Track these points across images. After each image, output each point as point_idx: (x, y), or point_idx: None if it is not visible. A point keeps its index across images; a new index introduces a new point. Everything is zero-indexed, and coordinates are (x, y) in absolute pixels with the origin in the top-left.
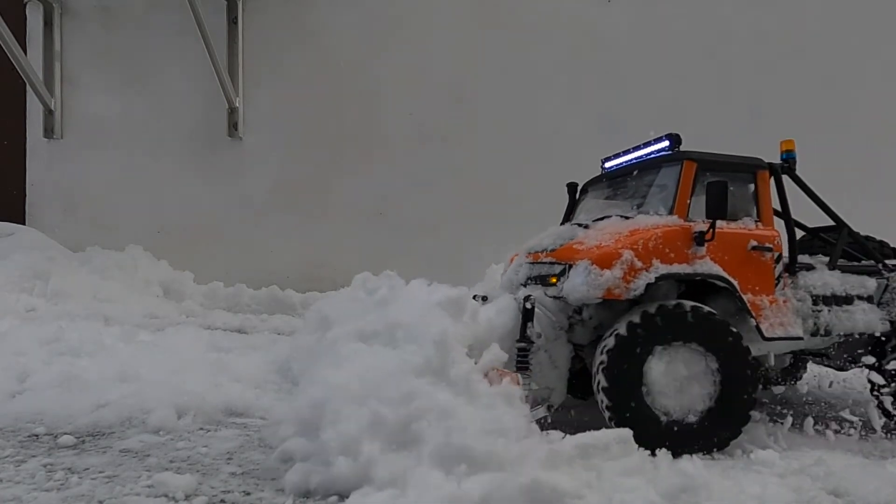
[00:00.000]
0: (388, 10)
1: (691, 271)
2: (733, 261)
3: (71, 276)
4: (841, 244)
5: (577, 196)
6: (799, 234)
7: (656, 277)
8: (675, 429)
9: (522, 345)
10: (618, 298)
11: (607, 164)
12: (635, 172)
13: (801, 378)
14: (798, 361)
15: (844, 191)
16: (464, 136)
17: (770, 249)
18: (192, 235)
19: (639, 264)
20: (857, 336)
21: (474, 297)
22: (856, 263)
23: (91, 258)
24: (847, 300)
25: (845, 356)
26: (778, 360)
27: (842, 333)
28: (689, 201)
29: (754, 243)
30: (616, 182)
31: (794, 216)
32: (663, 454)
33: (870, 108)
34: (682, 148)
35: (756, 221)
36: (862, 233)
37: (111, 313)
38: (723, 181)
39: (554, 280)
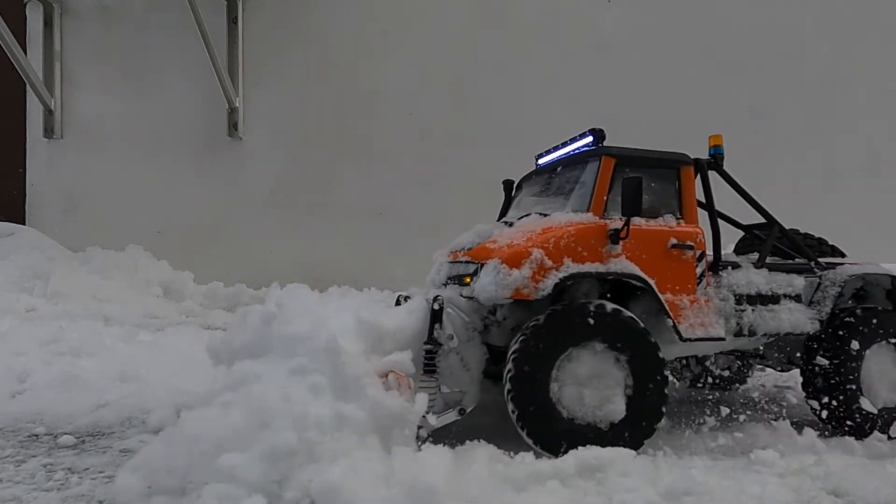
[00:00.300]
0: (388, 10)
1: (604, 270)
2: (652, 259)
3: (71, 276)
4: (770, 242)
5: (513, 192)
6: (741, 233)
7: (564, 277)
8: (588, 433)
9: (429, 347)
10: (526, 298)
11: (540, 161)
12: (559, 168)
13: (745, 380)
14: (744, 363)
15: (844, 190)
16: (464, 136)
17: (692, 247)
18: (192, 235)
19: (549, 263)
20: (792, 336)
21: (399, 298)
22: (787, 261)
23: (91, 258)
24: (773, 299)
25: (778, 356)
26: (721, 360)
27: (767, 334)
28: (605, 198)
29: (674, 241)
30: (545, 178)
31: (753, 213)
32: (664, 454)
33: (870, 108)
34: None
35: (678, 218)
36: (820, 231)
37: (111, 313)
38: (637, 177)
39: (468, 280)
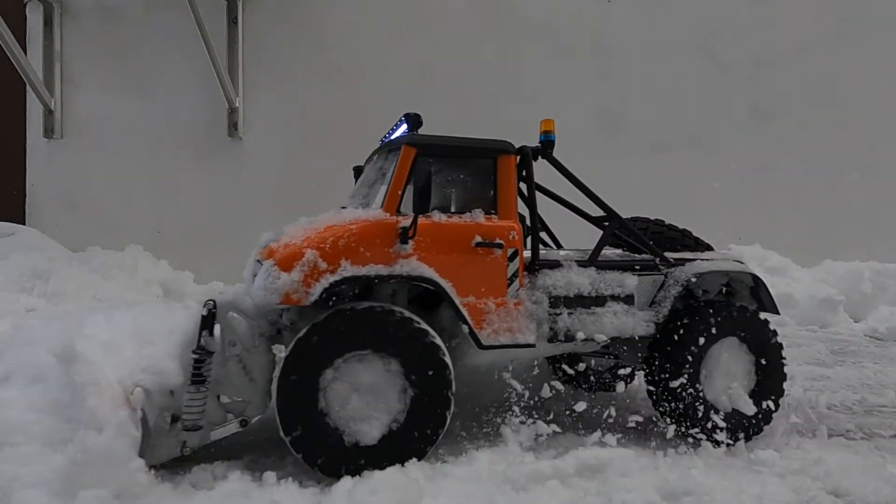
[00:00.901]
0: (388, 10)
1: (387, 273)
2: (451, 259)
3: (71, 276)
4: (605, 238)
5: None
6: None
7: (337, 281)
8: (363, 447)
9: (195, 356)
10: (297, 304)
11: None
12: (375, 157)
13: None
14: (616, 368)
15: (844, 190)
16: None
17: (501, 245)
18: (192, 235)
19: (323, 265)
20: (622, 340)
21: (206, 303)
22: (624, 259)
23: (91, 258)
24: (597, 301)
25: (632, 359)
26: (603, 360)
27: (590, 338)
28: (401, 193)
29: (479, 239)
30: (370, 167)
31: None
32: (664, 454)
33: (870, 108)
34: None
35: (491, 214)
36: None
37: None
38: (426, 169)
39: None
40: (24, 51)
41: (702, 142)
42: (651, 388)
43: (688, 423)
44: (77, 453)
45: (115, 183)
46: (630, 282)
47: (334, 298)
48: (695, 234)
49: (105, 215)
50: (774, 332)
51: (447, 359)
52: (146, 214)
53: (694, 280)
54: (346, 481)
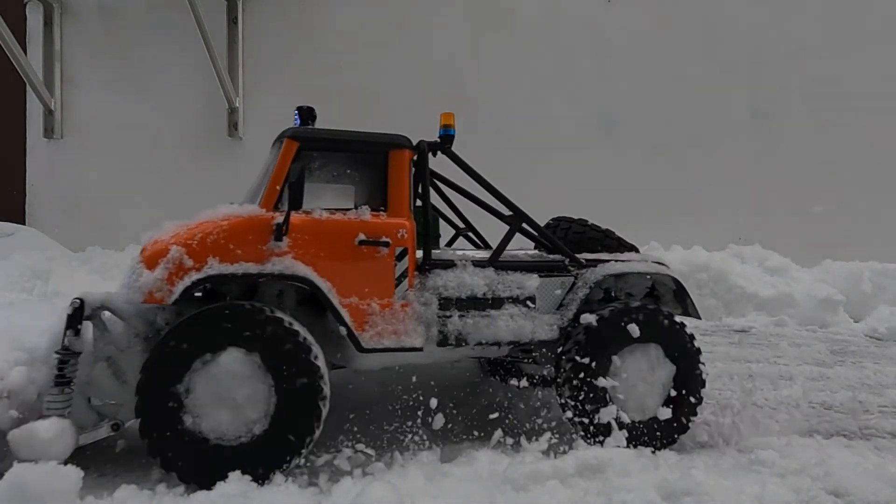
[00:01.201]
0: (388, 10)
1: (258, 271)
2: (332, 258)
3: (71, 276)
4: (508, 237)
5: None
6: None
7: (200, 279)
8: (225, 453)
9: (58, 356)
10: (160, 303)
11: None
12: (271, 149)
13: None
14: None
15: (844, 190)
16: (464, 136)
17: (387, 244)
18: None
19: (189, 263)
20: (520, 344)
21: (72, 301)
22: (529, 259)
23: (91, 258)
24: (493, 303)
25: (525, 364)
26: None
27: (483, 343)
28: (279, 188)
29: (363, 237)
30: (266, 162)
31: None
32: (664, 454)
33: (870, 108)
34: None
35: (381, 210)
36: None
37: None
38: (300, 164)
39: None
40: (24, 51)
41: (702, 142)
42: (559, 394)
43: (593, 431)
44: None
45: (115, 183)
46: (531, 283)
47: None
48: (618, 233)
49: (105, 215)
50: (692, 338)
51: (319, 362)
52: (146, 214)
53: (602, 281)
54: (347, 482)
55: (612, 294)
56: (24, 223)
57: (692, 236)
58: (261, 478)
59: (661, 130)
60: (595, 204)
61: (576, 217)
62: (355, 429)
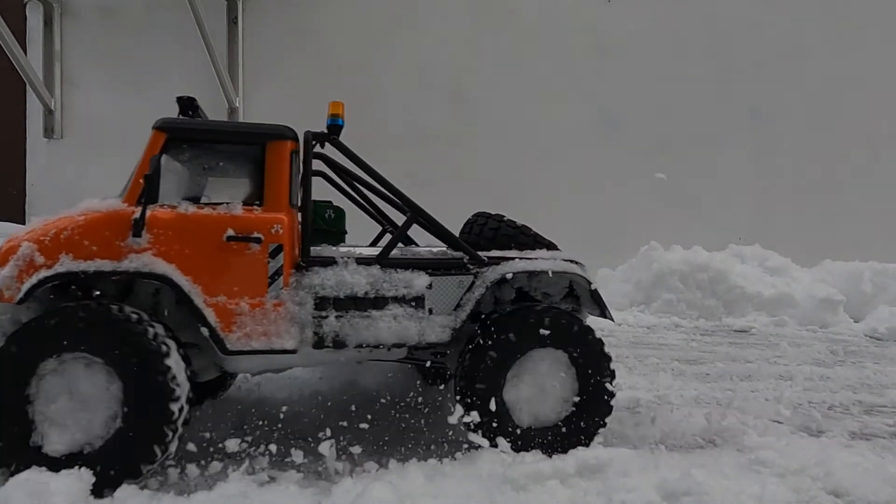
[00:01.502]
0: (388, 10)
1: (113, 268)
2: (198, 254)
3: None
4: (400, 234)
5: None
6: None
7: (47, 277)
8: (73, 462)
9: None
10: (10, 301)
11: None
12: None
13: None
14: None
15: (844, 190)
16: (464, 136)
17: (259, 240)
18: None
19: (40, 260)
20: (398, 347)
21: None
22: (421, 257)
23: None
24: (376, 303)
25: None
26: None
27: (364, 345)
28: (142, 181)
29: (231, 232)
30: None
31: None
32: (664, 454)
33: (870, 108)
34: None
35: (256, 205)
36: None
37: None
38: (156, 156)
39: None
40: (24, 51)
41: (702, 142)
42: (458, 397)
43: (491, 436)
44: None
45: (116, 183)
46: (419, 282)
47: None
48: (534, 230)
49: None
50: (599, 342)
51: (171, 362)
52: None
53: (501, 280)
54: (347, 482)
55: (529, 294)
56: (24, 223)
57: (692, 236)
58: (109, 487)
59: (661, 130)
60: (595, 204)
61: (493, 213)
62: (364, 426)
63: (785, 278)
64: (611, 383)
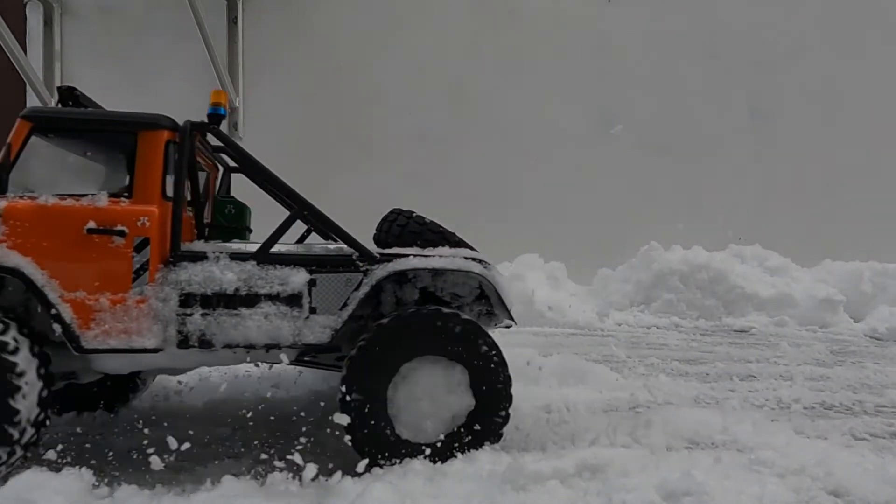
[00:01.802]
0: (388, 10)
1: None
2: (56, 247)
3: None
4: (284, 227)
5: None
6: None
7: None
8: None
9: None
10: None
11: None
12: None
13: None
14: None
15: (844, 190)
16: (464, 136)
17: (123, 233)
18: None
19: None
20: (276, 347)
21: None
22: (296, 253)
23: None
24: (247, 301)
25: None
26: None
27: (234, 345)
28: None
29: (93, 224)
30: None
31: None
32: (664, 454)
33: (870, 108)
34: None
35: (126, 197)
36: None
37: None
38: (7, 145)
39: None
40: (24, 51)
41: (702, 142)
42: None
43: (374, 451)
44: None
45: None
46: (297, 279)
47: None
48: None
49: None
50: (494, 348)
51: (20, 360)
52: None
53: (386, 278)
54: (347, 482)
55: (436, 295)
56: None
57: (692, 236)
58: None
59: (661, 130)
60: (595, 204)
61: (405, 209)
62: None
63: (785, 278)
64: (506, 394)
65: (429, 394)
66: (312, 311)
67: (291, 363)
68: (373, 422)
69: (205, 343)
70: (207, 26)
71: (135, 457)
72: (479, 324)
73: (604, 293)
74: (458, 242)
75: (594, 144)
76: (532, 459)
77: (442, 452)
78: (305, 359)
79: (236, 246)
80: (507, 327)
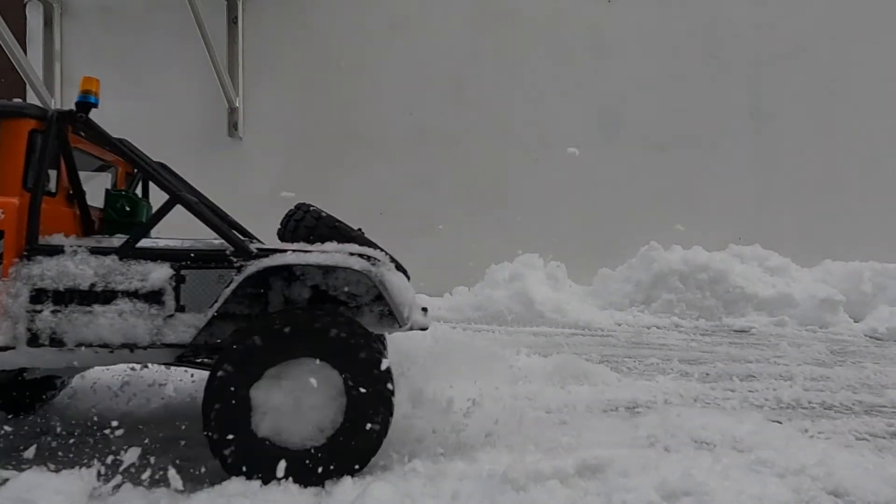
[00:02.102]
0: (388, 10)
1: None
2: None
3: None
4: (153, 221)
5: None
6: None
7: None
8: None
9: None
10: None
11: None
12: None
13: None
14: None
15: (844, 190)
16: (464, 136)
17: None
18: (191, 235)
19: None
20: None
21: None
22: (163, 248)
23: None
24: (103, 297)
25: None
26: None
27: (87, 344)
28: None
29: None
30: None
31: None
32: (664, 454)
33: (870, 108)
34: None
35: None
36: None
37: None
38: None
39: None
40: (24, 51)
41: (702, 142)
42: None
43: (239, 465)
44: None
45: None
46: (158, 275)
47: None
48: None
49: None
50: (375, 352)
51: None
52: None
53: (256, 274)
54: (347, 482)
55: (329, 294)
56: None
57: (692, 236)
58: None
59: (661, 130)
60: (595, 204)
61: (309, 204)
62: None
63: (785, 278)
64: (387, 404)
65: (298, 400)
66: (181, 308)
67: (176, 364)
68: (234, 430)
69: (56, 342)
70: (207, 26)
71: (135, 457)
72: (361, 325)
73: (604, 293)
74: (355, 238)
75: (594, 144)
76: (532, 459)
77: (312, 461)
78: (198, 360)
79: (109, 240)
80: (423, 329)
